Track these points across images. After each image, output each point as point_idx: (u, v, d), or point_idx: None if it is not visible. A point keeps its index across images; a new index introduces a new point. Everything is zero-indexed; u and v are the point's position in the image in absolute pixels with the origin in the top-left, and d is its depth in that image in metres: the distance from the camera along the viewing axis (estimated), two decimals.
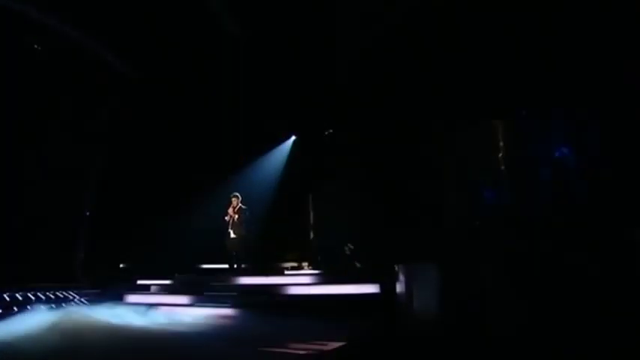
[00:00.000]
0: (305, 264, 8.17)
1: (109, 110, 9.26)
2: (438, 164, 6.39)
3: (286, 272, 7.41)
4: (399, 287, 4.05)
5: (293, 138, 9.22)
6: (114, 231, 9.08)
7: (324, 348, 3.55)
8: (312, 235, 8.53)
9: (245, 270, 7.27)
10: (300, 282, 6.17)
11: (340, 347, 3.54)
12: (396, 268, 4.11)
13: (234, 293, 6.00)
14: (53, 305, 6.87)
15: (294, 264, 8.25)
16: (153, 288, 6.81)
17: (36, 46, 7.71)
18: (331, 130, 8.62)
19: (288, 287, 5.92)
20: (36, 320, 4.90)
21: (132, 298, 6.49)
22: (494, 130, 6.05)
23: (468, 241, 4.45)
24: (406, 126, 6.86)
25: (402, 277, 4.03)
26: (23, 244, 7.49)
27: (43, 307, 6.29)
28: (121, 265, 10.12)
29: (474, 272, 3.54)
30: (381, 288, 5.05)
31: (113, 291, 7.12)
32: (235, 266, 7.38)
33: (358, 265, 6.61)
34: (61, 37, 7.67)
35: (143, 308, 5.89)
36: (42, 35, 7.50)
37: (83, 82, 8.41)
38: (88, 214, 9.43)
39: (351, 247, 7.05)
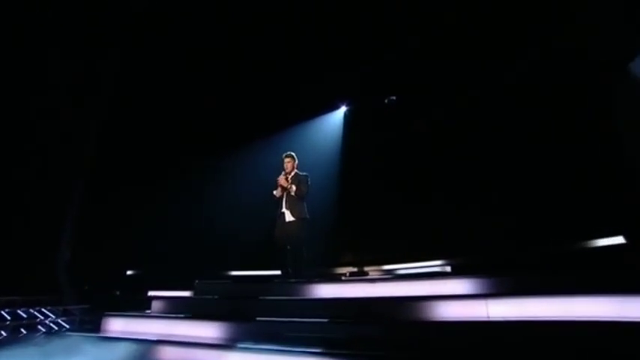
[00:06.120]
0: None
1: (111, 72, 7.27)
2: None
3: (343, 278, 5.14)
4: None
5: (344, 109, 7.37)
6: (114, 225, 7.38)
7: None
8: None
9: (310, 277, 4.03)
10: (448, 292, 2.93)
11: None
12: None
13: (322, 319, 2.69)
14: (2, 332, 4.81)
15: (354, 269, 6.27)
16: (155, 306, 3.59)
17: None
18: (393, 97, 6.65)
19: (432, 304, 2.68)
20: None
21: (116, 325, 3.33)
22: None
23: None
24: None
25: None
26: None
27: None
28: (128, 272, 8.14)
29: None
30: None
31: (107, 307, 4.56)
32: (291, 270, 4.11)
33: None
34: None
35: (133, 350, 2.77)
36: None
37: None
38: (76, 202, 7.49)
39: None
